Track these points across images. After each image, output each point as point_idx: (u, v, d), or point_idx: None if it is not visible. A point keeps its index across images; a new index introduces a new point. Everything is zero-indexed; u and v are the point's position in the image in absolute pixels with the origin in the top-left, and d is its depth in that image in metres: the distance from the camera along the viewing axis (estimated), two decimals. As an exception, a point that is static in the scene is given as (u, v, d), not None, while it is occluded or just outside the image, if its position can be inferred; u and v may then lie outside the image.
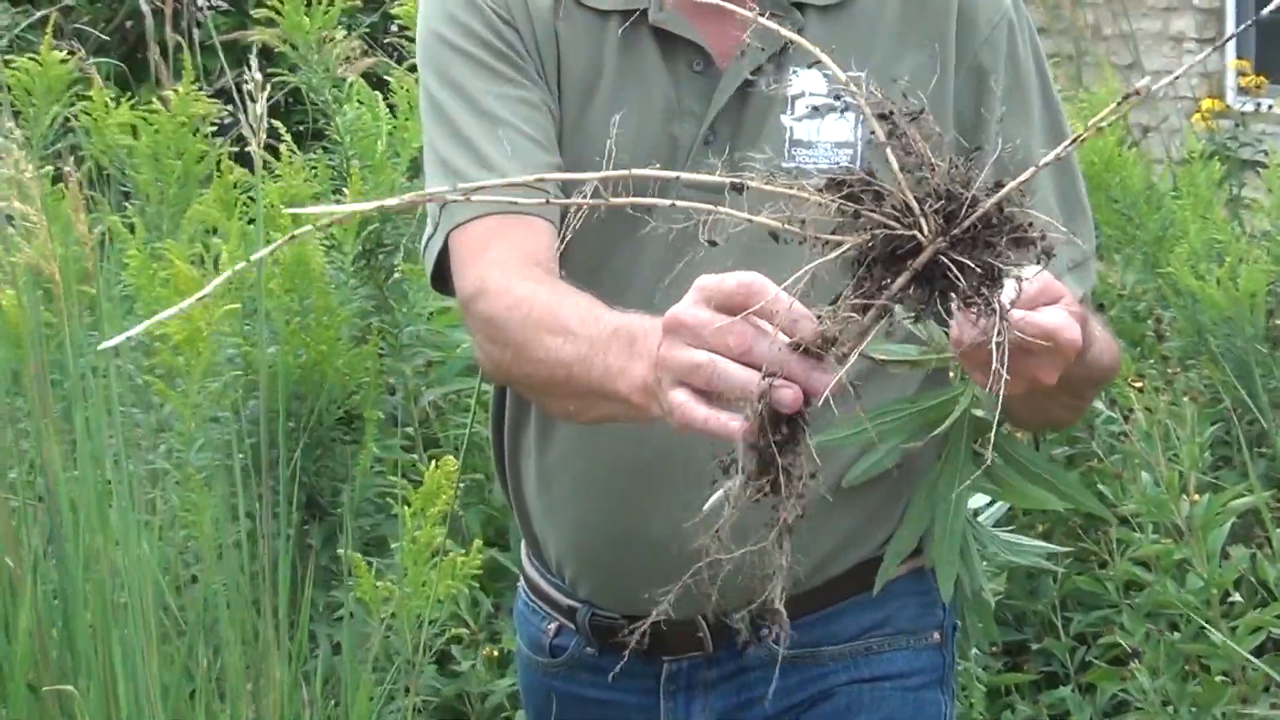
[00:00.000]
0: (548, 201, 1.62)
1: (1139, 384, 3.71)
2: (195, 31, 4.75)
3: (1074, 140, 1.56)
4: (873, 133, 1.51)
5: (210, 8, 4.81)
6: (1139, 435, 3.55)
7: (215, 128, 3.99)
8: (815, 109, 2.08)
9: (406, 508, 3.06)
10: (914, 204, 1.49)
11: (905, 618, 2.21)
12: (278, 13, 3.74)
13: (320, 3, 3.75)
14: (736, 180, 1.52)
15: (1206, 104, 5.68)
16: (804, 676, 2.20)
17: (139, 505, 2.90)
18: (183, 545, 3.16)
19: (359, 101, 3.70)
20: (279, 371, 3.22)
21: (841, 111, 2.07)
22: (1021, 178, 1.50)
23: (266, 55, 3.81)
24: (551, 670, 2.30)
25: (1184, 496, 3.46)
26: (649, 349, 1.71)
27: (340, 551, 3.29)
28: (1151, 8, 7.42)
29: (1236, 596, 3.50)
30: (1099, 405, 3.73)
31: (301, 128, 4.04)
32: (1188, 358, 4.05)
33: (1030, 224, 1.50)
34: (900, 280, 1.49)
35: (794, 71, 2.09)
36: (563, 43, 2.13)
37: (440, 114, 2.11)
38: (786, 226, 1.50)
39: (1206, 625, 3.43)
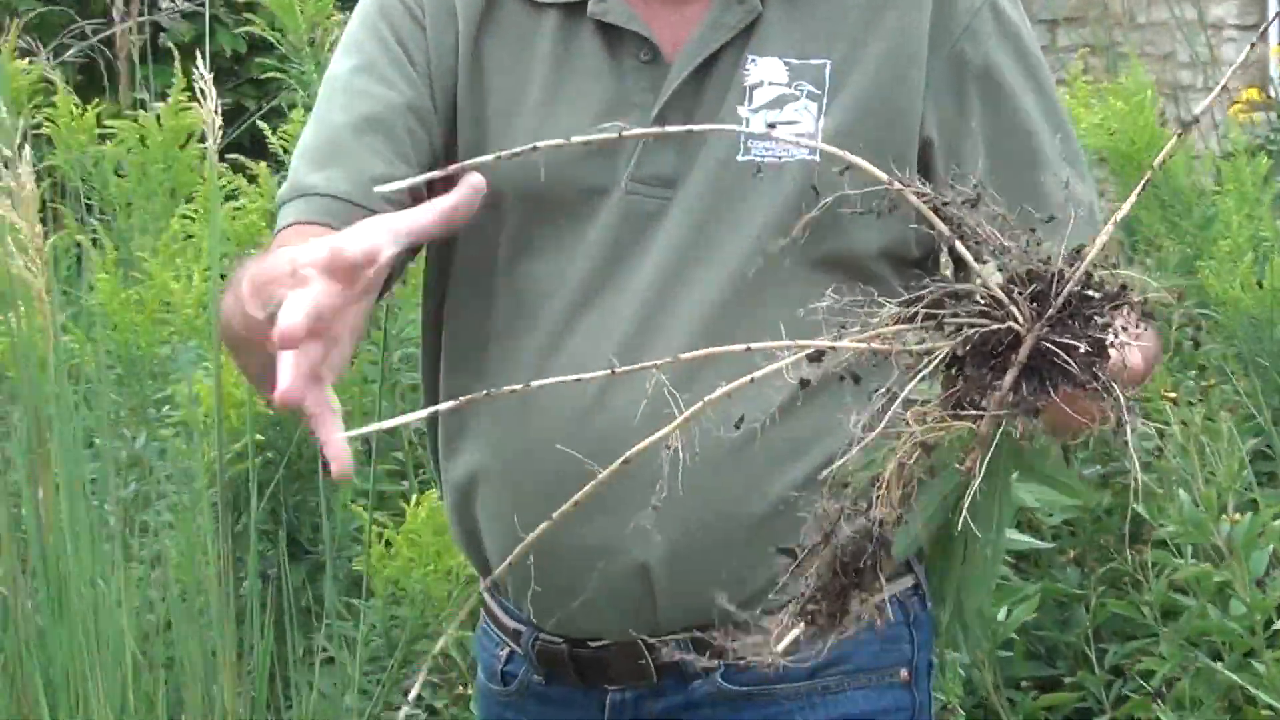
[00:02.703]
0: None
1: (1174, 395, 3.55)
2: (161, 35, 4.62)
3: (1137, 189, 1.47)
4: (934, 229, 1.44)
5: (175, 13, 4.65)
6: (1175, 451, 3.39)
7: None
8: (774, 99, 2.00)
9: (384, 545, 2.92)
10: (1001, 294, 1.41)
11: (866, 654, 2.08)
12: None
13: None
14: (812, 348, 1.46)
15: (1248, 94, 5.49)
16: (756, 716, 2.08)
17: (115, 544, 2.84)
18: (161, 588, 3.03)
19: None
20: (248, 401, 3.10)
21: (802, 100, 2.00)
22: (1099, 241, 1.42)
23: (237, 59, 3.66)
24: (504, 699, 2.20)
25: (1224, 516, 3.31)
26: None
27: (322, 592, 3.19)
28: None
29: (1279, 624, 3.34)
30: (1132, 420, 3.58)
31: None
32: (1226, 367, 3.84)
33: (1124, 285, 1.42)
34: (1009, 377, 1.41)
35: (751, 59, 2.01)
36: (489, 44, 2.05)
37: (321, 96, 2.06)
38: (873, 346, 1.43)
39: (1250, 654, 3.31)
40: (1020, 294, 1.41)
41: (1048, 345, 1.41)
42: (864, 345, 1.43)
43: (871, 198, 1.53)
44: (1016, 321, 1.41)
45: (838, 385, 1.70)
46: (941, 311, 1.42)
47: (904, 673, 2.11)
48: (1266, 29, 1.84)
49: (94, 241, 3.58)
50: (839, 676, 2.07)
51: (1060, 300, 1.41)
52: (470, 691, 3.47)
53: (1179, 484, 3.38)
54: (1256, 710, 3.34)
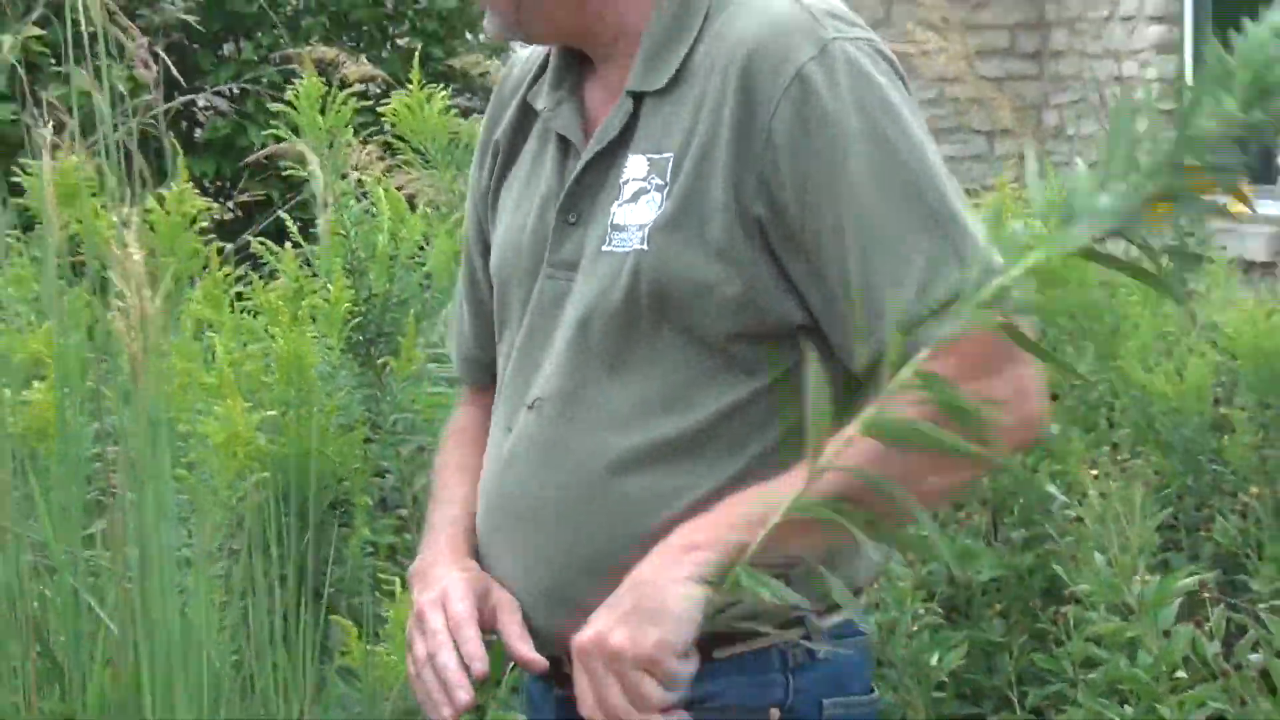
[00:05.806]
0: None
1: (1094, 471, 3.78)
2: (197, 132, 4.78)
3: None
4: None
5: (209, 109, 4.89)
6: (1092, 519, 3.66)
7: (212, 226, 4.05)
8: (635, 193, 2.08)
9: (400, 588, 3.20)
10: None
11: (733, 694, 2.09)
12: (293, 109, 3.88)
13: (334, 102, 3.91)
14: None
15: (1158, 208, 5.79)
16: None
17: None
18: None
19: (362, 194, 3.84)
20: (281, 464, 3.38)
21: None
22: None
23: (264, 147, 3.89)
24: (521, 701, 2.41)
25: (1135, 577, 3.55)
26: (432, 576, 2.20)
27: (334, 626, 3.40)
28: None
29: (1182, 673, 3.56)
30: (1053, 490, 3.88)
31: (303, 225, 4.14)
32: (1138, 445, 4.16)
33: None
34: None
35: (630, 156, 2.09)
36: (513, 165, 2.25)
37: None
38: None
39: (1156, 701, 3.49)
40: None
41: None
42: None
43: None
44: None
45: (695, 445, 2.02)
46: None
47: (774, 713, 2.10)
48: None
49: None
50: (703, 712, 2.03)
51: None
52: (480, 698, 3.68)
53: (1095, 547, 3.63)
54: (1162, 752, 3.54)
